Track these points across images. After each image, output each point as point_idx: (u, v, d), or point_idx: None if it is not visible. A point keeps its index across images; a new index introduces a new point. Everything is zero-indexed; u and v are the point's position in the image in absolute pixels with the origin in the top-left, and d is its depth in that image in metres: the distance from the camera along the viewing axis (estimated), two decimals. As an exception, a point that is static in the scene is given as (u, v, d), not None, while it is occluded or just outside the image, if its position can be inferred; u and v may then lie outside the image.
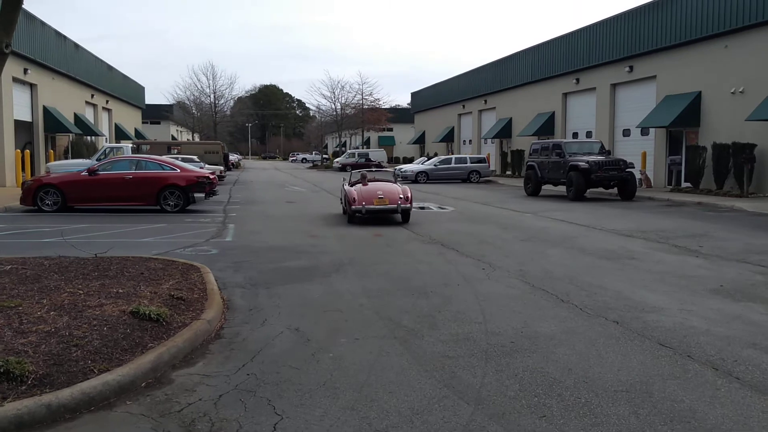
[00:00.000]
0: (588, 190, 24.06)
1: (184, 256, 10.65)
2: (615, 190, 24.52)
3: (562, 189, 26.09)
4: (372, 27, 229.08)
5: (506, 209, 20.42)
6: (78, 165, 23.65)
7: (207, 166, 28.86)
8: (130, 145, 31.29)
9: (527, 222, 16.72)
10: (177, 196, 18.32)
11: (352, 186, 17.06)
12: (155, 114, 78.32)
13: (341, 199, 18.38)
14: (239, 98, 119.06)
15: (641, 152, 28.91)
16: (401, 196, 16.21)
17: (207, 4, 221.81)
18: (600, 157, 23.85)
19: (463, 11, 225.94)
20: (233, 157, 76.53)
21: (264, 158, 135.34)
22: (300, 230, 14.90)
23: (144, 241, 12.73)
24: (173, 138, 78.84)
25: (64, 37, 37.69)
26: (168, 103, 78.92)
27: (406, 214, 16.38)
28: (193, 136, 74.53)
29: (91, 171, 18.29)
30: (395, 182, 17.99)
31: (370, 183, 17.11)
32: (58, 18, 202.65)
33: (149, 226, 15.34)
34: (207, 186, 18.66)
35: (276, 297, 8.06)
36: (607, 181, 23.39)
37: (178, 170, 18.62)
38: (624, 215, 18.37)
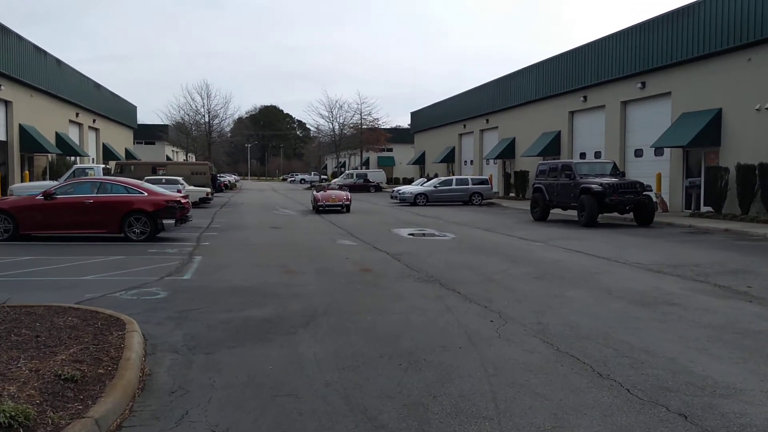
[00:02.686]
0: (600, 215, 22.01)
1: (118, 303, 8.60)
2: (630, 215, 22.48)
3: (571, 213, 24.08)
4: (373, 48, 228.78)
5: (513, 237, 18.38)
6: (46, 188, 21.63)
7: (188, 187, 26.95)
8: (102, 166, 29.26)
9: (538, 253, 14.67)
10: (143, 223, 16.30)
11: (317, 192, 29.73)
12: (149, 134, 76.52)
13: (311, 201, 30.53)
14: (239, 119, 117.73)
15: (656, 174, 26.90)
16: (344, 198, 28.84)
17: (207, 25, 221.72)
18: (614, 179, 21.83)
19: (465, 31, 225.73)
20: (230, 178, 74.80)
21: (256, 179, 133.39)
22: (276, 263, 12.86)
23: (82, 280, 10.67)
24: (168, 158, 76.96)
25: (45, 52, 35.90)
26: (163, 123, 77.09)
27: (347, 207, 28.65)
28: (187, 156, 72.66)
29: (47, 194, 16.29)
30: (343, 191, 30.40)
31: (328, 190, 30.47)
32: (57, 41, 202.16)
33: (103, 258, 13.30)
34: (178, 211, 16.64)
35: (215, 369, 6.00)
36: (623, 205, 21.33)
37: (145, 193, 16.61)
38: (646, 245, 16.31)
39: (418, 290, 10.00)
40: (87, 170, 25.34)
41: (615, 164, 24.39)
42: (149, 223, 16.32)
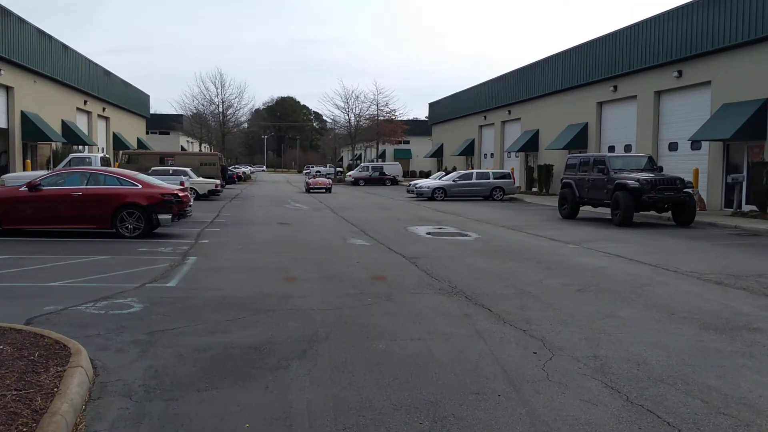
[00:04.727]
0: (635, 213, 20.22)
1: (79, 320, 7.13)
2: (668, 214, 20.70)
3: (603, 211, 22.34)
4: (390, 41, 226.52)
5: (542, 237, 16.71)
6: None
7: (196, 179, 25.50)
8: (99, 155, 27.85)
9: (574, 258, 13.00)
10: (137, 218, 14.84)
11: (309, 179, 44.46)
12: (164, 124, 75.33)
13: (304, 185, 45.43)
14: (256, 110, 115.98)
15: (692, 169, 24.99)
16: (327, 183, 42.98)
17: (226, 18, 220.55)
18: (651, 175, 20.02)
19: (485, 21, 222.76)
20: (245, 169, 73.50)
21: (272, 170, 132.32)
22: (277, 267, 11.34)
23: (50, 287, 9.19)
24: (183, 149, 75.76)
25: (50, 36, 34.53)
26: (178, 113, 75.76)
27: (329, 189, 41.79)
28: (201, 147, 71.39)
29: (32, 186, 14.86)
30: (327, 178, 47.39)
31: (316, 177, 48.18)
32: (75, 31, 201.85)
33: (84, 259, 11.85)
34: (175, 205, 15.17)
35: (173, 428, 4.46)
36: (662, 203, 19.54)
37: (140, 186, 15.14)
38: (693, 249, 14.59)
39: (440, 306, 8.40)
40: (85, 159, 24.03)
41: (651, 158, 22.56)
42: (143, 218, 14.86)
